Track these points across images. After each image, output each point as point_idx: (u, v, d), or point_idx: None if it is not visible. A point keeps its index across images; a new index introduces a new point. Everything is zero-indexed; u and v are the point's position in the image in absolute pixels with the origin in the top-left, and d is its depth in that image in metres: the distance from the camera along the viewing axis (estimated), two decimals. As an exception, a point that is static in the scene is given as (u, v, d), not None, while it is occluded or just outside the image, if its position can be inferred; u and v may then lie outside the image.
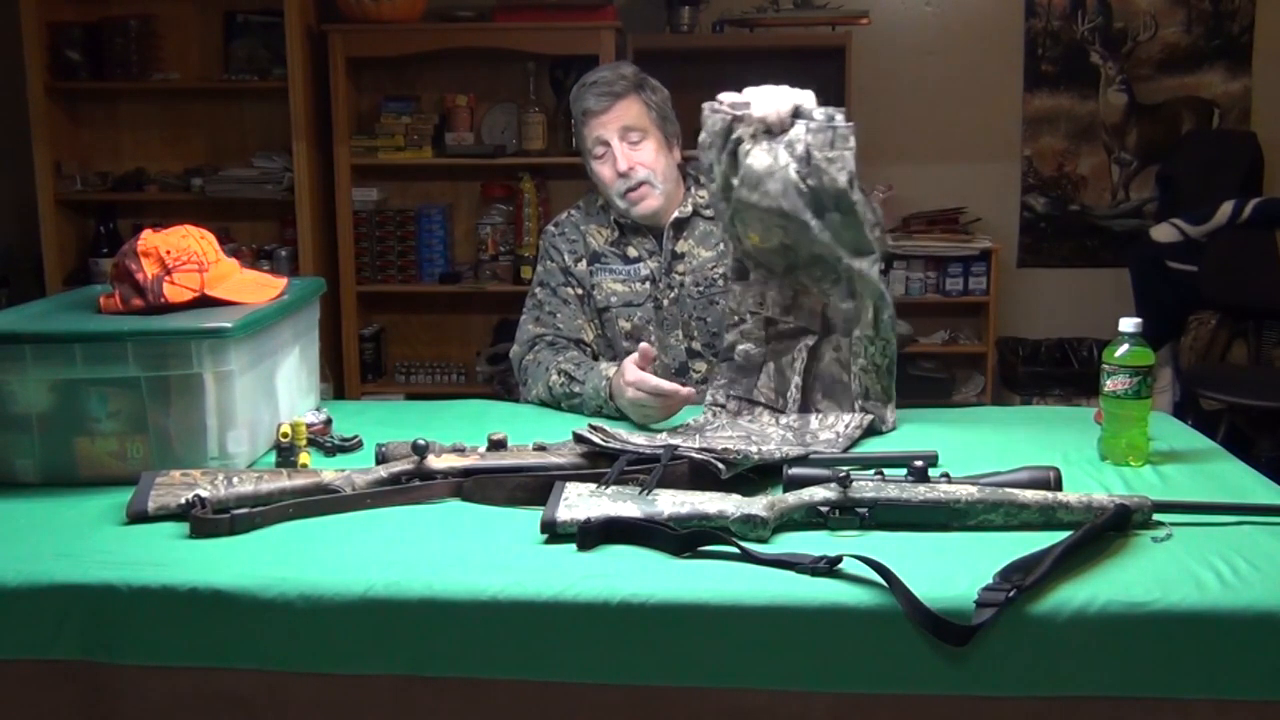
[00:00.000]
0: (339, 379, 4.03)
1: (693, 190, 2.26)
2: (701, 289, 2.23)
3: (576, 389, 2.05)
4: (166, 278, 1.71)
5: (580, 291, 2.29)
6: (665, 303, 2.25)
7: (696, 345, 2.24)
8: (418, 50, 3.91)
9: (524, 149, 4.04)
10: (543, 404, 2.14)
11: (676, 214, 2.24)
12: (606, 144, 2.19)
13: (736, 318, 1.99)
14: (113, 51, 3.92)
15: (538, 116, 4.01)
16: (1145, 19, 4.36)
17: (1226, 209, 3.69)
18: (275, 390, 1.82)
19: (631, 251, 2.27)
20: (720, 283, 2.21)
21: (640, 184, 2.18)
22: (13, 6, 3.77)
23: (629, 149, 2.18)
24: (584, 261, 2.30)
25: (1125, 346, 1.68)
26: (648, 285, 2.26)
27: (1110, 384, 1.69)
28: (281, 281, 1.89)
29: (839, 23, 4.13)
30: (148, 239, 1.74)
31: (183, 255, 1.73)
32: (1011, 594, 1.22)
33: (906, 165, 4.45)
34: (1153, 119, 4.41)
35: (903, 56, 4.40)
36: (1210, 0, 4.34)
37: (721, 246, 2.21)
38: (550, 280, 2.29)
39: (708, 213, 2.23)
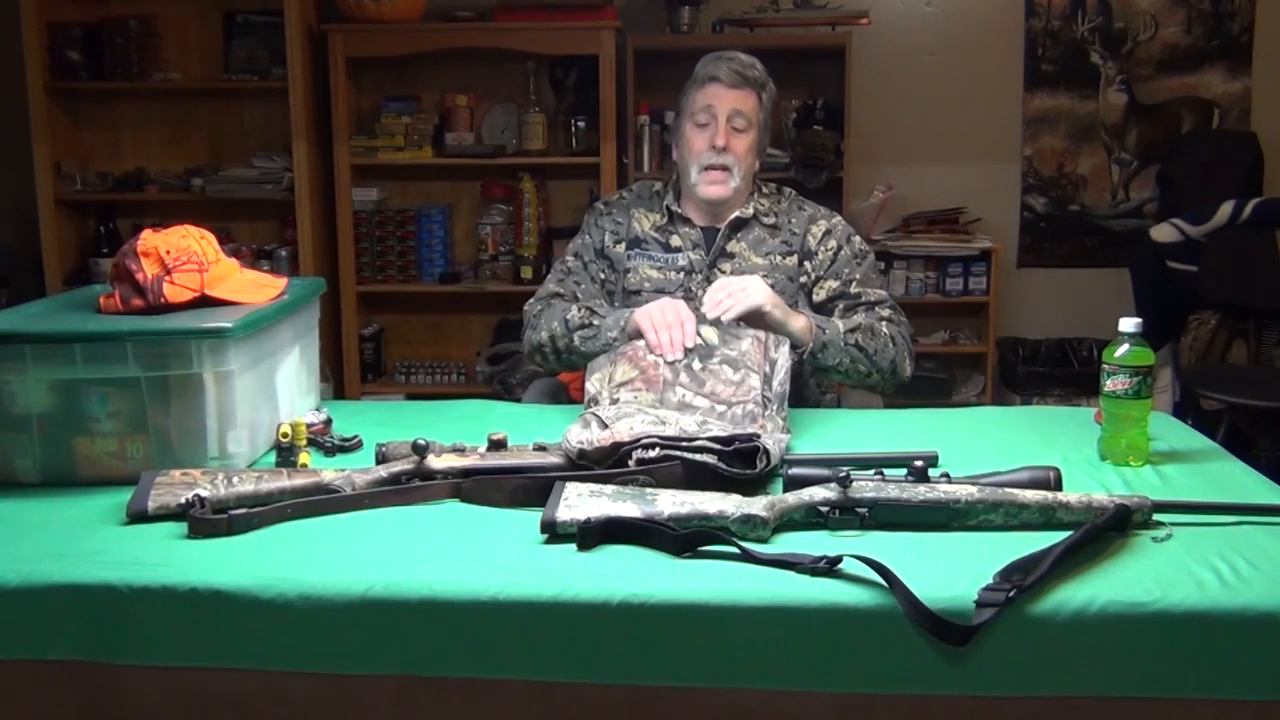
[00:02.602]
0: (339, 379, 4.03)
1: (756, 196, 2.29)
2: None
3: (596, 320, 2.12)
4: (166, 278, 1.71)
5: (605, 275, 2.32)
6: (700, 293, 2.26)
7: None
8: (418, 50, 3.91)
9: (524, 149, 4.04)
10: (548, 342, 2.17)
11: (738, 213, 2.26)
12: (714, 116, 2.21)
13: None
14: (113, 51, 3.92)
15: (538, 116, 4.01)
16: (1145, 19, 4.36)
17: (1226, 209, 3.68)
18: (275, 390, 1.82)
19: (675, 241, 2.29)
20: None
21: (723, 167, 2.21)
22: (13, 6, 3.76)
23: (731, 132, 2.21)
24: (623, 245, 2.33)
25: (1125, 346, 1.68)
26: (681, 275, 2.28)
27: (1110, 384, 1.69)
28: (281, 281, 1.89)
29: (839, 23, 4.13)
30: (148, 239, 1.74)
31: (183, 255, 1.73)
32: (1011, 594, 1.22)
33: (906, 165, 4.44)
34: (1153, 119, 4.41)
35: (903, 56, 4.40)
36: (1210, 0, 4.34)
37: (775, 258, 2.24)
38: (584, 254, 2.34)
39: (767, 220, 2.27)
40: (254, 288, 1.82)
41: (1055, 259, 4.53)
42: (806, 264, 2.25)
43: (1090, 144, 4.46)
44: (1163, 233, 3.82)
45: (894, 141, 4.43)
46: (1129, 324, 1.69)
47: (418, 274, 4.14)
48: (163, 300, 1.70)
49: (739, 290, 2.00)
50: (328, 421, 1.87)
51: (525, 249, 4.03)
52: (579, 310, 2.16)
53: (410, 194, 4.24)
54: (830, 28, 4.13)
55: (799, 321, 2.05)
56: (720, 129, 2.20)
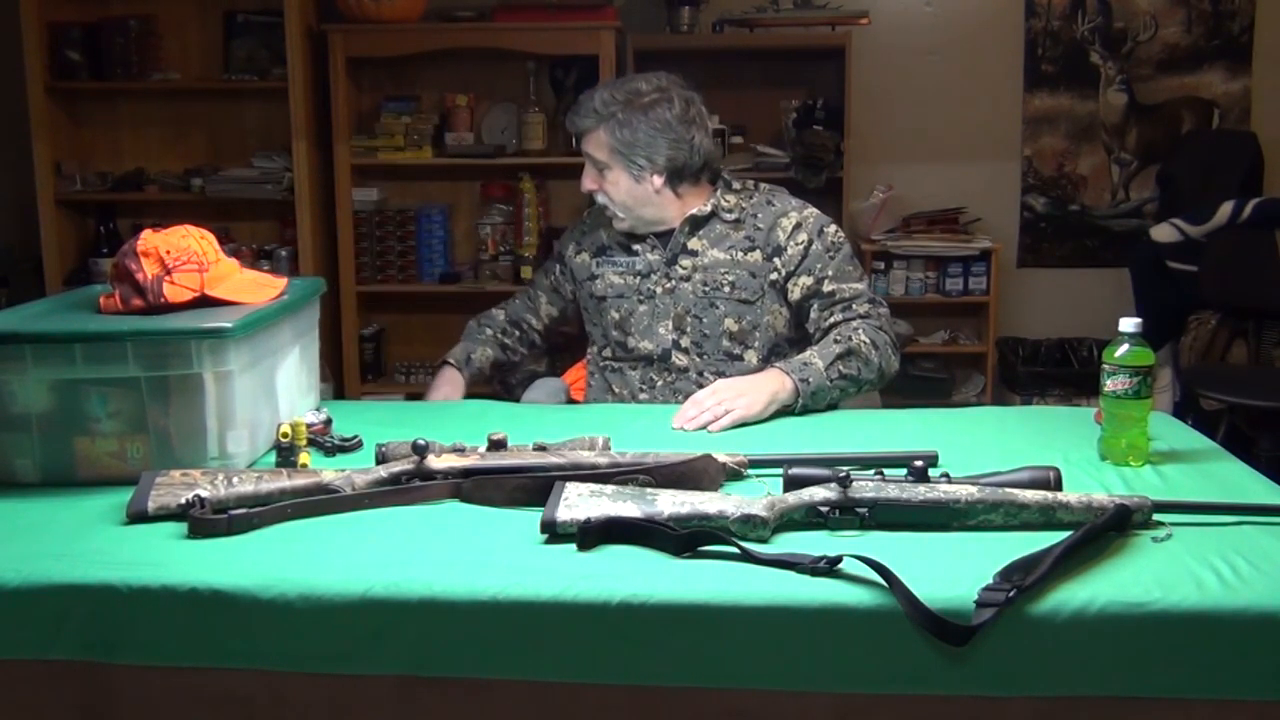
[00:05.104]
0: (339, 379, 4.02)
1: (719, 193, 2.30)
2: (708, 289, 2.26)
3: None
4: (166, 278, 1.71)
5: (558, 281, 2.48)
6: (659, 291, 2.27)
7: (684, 342, 2.27)
8: (418, 50, 3.90)
9: (524, 149, 4.04)
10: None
11: (694, 211, 2.27)
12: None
13: None
14: (113, 51, 3.91)
15: (538, 116, 4.00)
16: (1145, 19, 4.36)
17: (1226, 209, 3.68)
18: (275, 390, 1.82)
19: (635, 245, 2.33)
20: (726, 289, 2.23)
21: (602, 205, 2.30)
22: (13, 6, 3.76)
23: (595, 172, 2.28)
24: (586, 254, 2.40)
25: (1125, 346, 1.68)
26: (638, 279, 2.31)
27: (1110, 384, 1.69)
28: (281, 281, 1.89)
29: (839, 23, 4.13)
30: (148, 239, 1.74)
31: (183, 255, 1.73)
32: (1011, 594, 1.22)
33: (906, 165, 4.45)
34: (1153, 119, 4.41)
35: (903, 56, 4.40)
36: (1210, 0, 4.34)
37: (736, 253, 2.25)
38: (548, 265, 2.53)
39: (729, 215, 2.28)
40: (254, 288, 1.82)
41: (1055, 259, 4.53)
42: (776, 260, 2.25)
43: (1090, 144, 4.46)
44: (1163, 233, 3.82)
45: (894, 141, 4.43)
46: (1129, 324, 1.69)
47: (418, 274, 4.13)
48: (163, 300, 1.70)
49: (714, 406, 2.00)
50: (328, 421, 1.87)
51: (525, 249, 4.03)
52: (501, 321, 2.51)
53: (410, 194, 4.23)
54: (830, 28, 4.13)
55: (786, 390, 2.05)
56: (584, 174, 2.29)
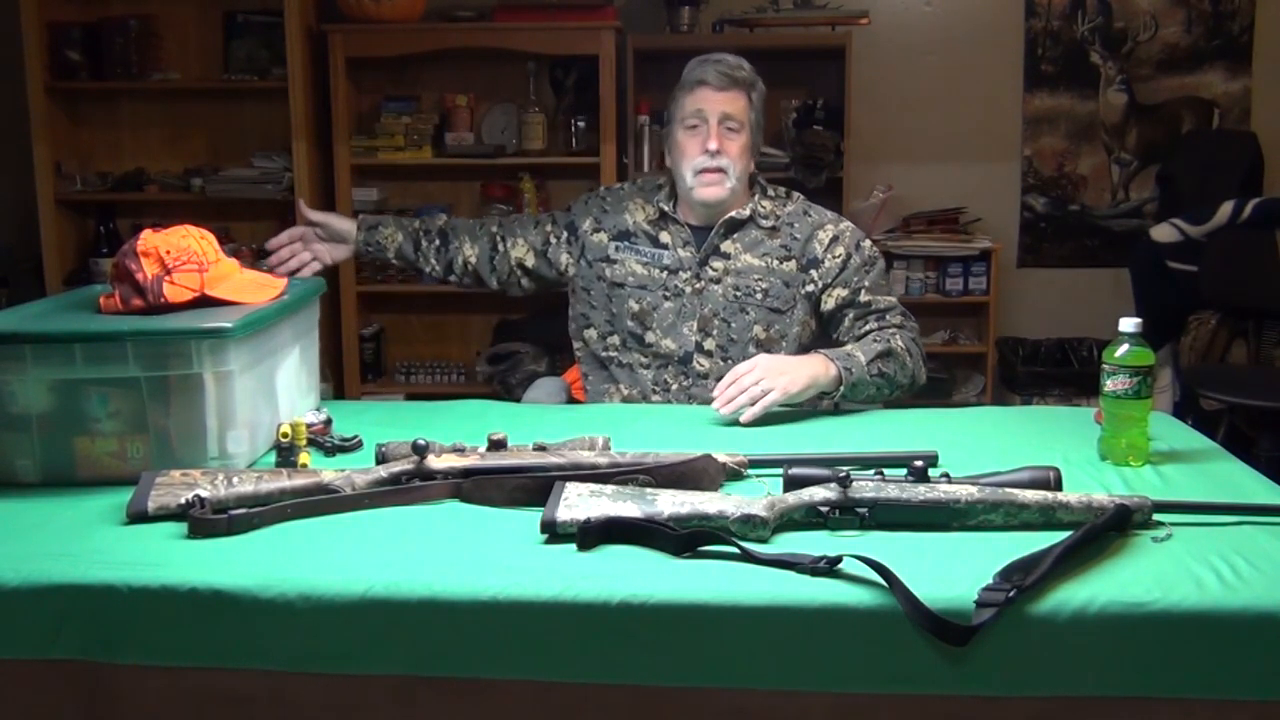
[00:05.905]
0: (339, 379, 4.02)
1: (756, 198, 2.29)
2: (739, 294, 2.24)
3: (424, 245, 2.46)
4: (166, 278, 1.71)
5: (554, 245, 2.37)
6: (688, 291, 2.26)
7: (708, 344, 2.25)
8: (418, 50, 3.91)
9: (524, 149, 4.04)
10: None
11: (734, 214, 2.26)
12: (704, 119, 2.21)
13: None
14: (113, 51, 3.92)
15: (538, 116, 4.01)
16: (1145, 19, 4.36)
17: (1226, 209, 3.68)
18: (275, 390, 1.82)
19: (664, 238, 2.30)
20: (758, 296, 2.22)
21: (718, 169, 2.21)
22: (13, 6, 3.76)
23: (724, 134, 2.21)
24: (605, 235, 2.34)
25: (1125, 346, 1.68)
26: (664, 274, 2.28)
27: (1110, 384, 1.69)
28: (281, 282, 1.89)
29: (839, 23, 4.13)
30: (148, 239, 1.74)
31: (183, 255, 1.73)
32: (1011, 594, 1.22)
33: (906, 165, 4.44)
34: (1153, 119, 4.41)
35: (903, 56, 4.40)
36: (1210, 0, 4.34)
37: (770, 261, 2.24)
38: (544, 219, 2.42)
39: (765, 222, 2.27)
40: (254, 288, 1.82)
41: (1055, 259, 4.53)
42: (813, 271, 2.24)
43: (1090, 144, 4.46)
44: (1163, 233, 3.82)
45: (894, 141, 4.43)
46: (1129, 324, 1.69)
47: (418, 274, 4.12)
48: (163, 300, 1.70)
49: (752, 387, 1.95)
50: (328, 421, 1.87)
51: (525, 249, 4.03)
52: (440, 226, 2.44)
53: (410, 194, 4.23)
54: (830, 28, 4.13)
55: (828, 376, 2.03)
56: (712, 131, 2.20)
